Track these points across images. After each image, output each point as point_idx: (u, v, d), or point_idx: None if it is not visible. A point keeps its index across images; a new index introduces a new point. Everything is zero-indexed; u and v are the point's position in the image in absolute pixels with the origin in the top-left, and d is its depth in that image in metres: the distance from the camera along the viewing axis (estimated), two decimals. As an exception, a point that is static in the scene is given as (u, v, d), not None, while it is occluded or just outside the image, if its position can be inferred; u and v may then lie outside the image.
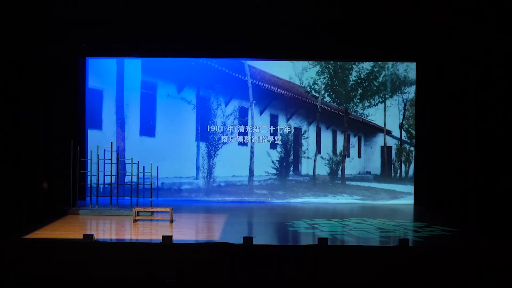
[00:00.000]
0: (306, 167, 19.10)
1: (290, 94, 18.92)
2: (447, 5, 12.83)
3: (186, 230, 14.03)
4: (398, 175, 18.97)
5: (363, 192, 18.97)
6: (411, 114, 18.87)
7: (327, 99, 19.00)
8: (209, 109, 18.92)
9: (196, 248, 11.83)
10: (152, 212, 15.32)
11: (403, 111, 18.96)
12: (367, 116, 19.03)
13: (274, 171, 19.10)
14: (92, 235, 12.31)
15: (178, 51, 16.28)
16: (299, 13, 13.35)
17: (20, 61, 13.54)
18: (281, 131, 18.96)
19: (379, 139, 19.10)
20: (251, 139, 19.03)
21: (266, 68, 18.84)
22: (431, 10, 12.98)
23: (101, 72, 18.74)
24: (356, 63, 18.82)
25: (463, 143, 14.33)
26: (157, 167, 16.97)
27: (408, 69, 18.80)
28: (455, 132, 14.92)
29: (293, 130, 18.90)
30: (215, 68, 18.71)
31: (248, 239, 11.95)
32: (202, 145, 18.96)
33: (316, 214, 16.59)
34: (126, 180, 17.43)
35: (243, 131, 18.99)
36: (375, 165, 19.11)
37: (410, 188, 18.72)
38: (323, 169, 19.09)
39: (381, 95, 18.98)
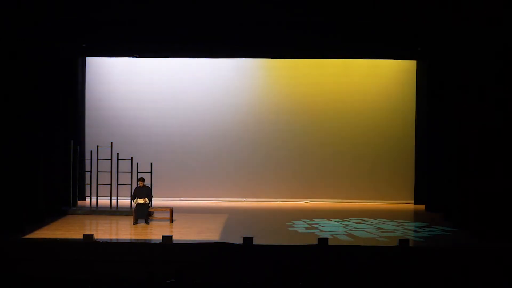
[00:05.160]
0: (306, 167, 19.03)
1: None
2: (448, 5, 12.83)
3: (186, 230, 14.03)
4: (397, 174, 18.87)
5: (362, 191, 18.88)
6: (411, 114, 18.83)
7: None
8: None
9: (196, 248, 11.84)
10: (152, 212, 15.32)
11: (403, 111, 18.92)
12: (367, 116, 19.01)
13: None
14: (92, 235, 12.32)
15: (178, 51, 16.25)
16: (299, 12, 13.33)
17: (20, 61, 13.54)
18: None
19: (379, 139, 19.04)
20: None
21: (266, 68, 18.73)
22: (431, 10, 12.98)
23: (101, 72, 18.72)
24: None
25: (463, 143, 14.33)
26: (157, 166, 16.98)
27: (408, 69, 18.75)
28: (456, 132, 14.91)
29: None
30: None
31: (248, 239, 11.96)
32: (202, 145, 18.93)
33: (316, 214, 16.59)
34: (126, 180, 17.39)
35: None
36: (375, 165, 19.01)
37: (410, 188, 18.65)
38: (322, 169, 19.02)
39: (381, 95, 18.96)
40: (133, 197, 15.15)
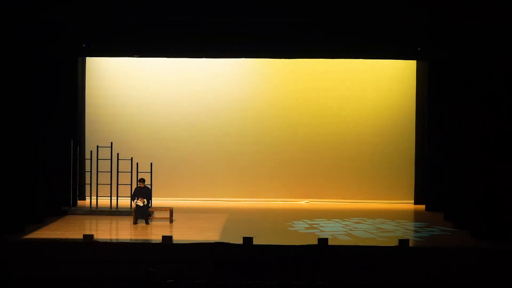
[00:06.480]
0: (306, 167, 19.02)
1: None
2: (448, 5, 12.83)
3: (186, 230, 14.04)
4: (397, 174, 18.85)
5: (362, 191, 18.86)
6: (411, 114, 18.81)
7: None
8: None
9: (196, 248, 11.85)
10: (152, 212, 15.31)
11: (403, 111, 18.90)
12: (367, 116, 19.00)
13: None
14: (92, 235, 12.32)
15: (178, 51, 16.23)
16: (298, 11, 13.33)
17: (20, 61, 13.54)
18: None
19: (379, 139, 19.02)
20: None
21: (266, 67, 18.70)
22: (431, 10, 12.98)
23: (101, 72, 18.71)
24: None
25: (463, 143, 14.33)
26: (157, 166, 16.97)
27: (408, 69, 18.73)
28: (455, 132, 14.92)
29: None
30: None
31: (248, 239, 11.97)
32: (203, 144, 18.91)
33: (316, 214, 16.59)
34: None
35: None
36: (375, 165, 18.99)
37: (410, 188, 18.63)
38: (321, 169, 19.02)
39: (381, 95, 18.95)
40: (132, 198, 15.16)
